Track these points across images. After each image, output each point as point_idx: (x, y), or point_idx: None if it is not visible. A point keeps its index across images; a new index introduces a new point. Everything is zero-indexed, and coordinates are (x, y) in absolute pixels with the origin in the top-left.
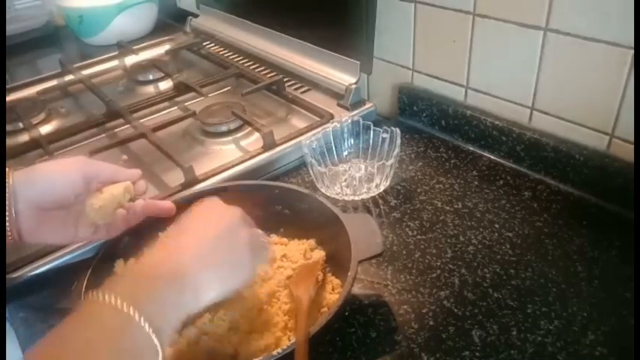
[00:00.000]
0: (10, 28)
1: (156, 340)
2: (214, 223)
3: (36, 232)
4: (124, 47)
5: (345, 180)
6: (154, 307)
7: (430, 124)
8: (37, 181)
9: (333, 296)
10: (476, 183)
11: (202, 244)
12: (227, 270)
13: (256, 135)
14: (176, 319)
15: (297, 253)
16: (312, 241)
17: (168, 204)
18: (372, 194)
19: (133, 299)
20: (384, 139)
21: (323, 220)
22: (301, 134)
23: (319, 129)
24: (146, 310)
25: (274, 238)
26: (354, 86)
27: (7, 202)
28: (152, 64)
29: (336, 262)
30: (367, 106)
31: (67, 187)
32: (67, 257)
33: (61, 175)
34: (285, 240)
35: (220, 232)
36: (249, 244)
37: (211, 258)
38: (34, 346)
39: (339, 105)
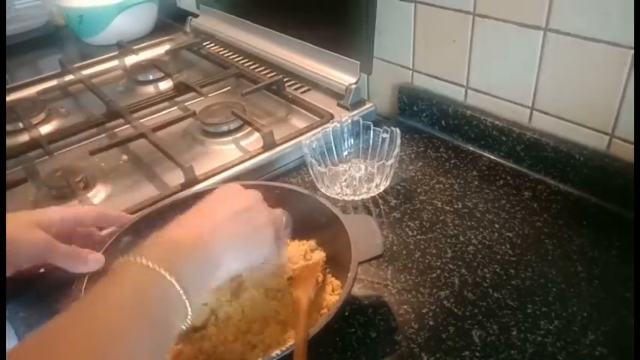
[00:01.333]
0: (10, 28)
1: (184, 297)
2: (232, 202)
3: None
4: (124, 47)
5: (345, 180)
6: (182, 269)
7: (430, 124)
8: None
9: (333, 297)
10: (476, 183)
11: (220, 218)
12: (247, 243)
13: (256, 135)
14: (201, 286)
15: (298, 254)
16: (312, 242)
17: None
18: (372, 194)
19: (161, 261)
20: (384, 139)
21: (323, 220)
22: (301, 134)
23: (319, 129)
24: (174, 270)
25: None
26: (354, 86)
27: None
28: (152, 64)
29: (337, 263)
30: (367, 106)
31: (31, 255)
32: None
33: (20, 243)
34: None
35: (239, 208)
36: (269, 222)
37: (229, 231)
38: (65, 310)
39: (339, 105)
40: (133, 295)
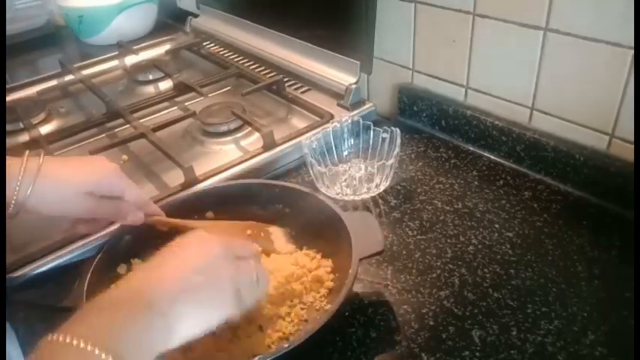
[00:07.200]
0: (10, 28)
1: None
2: (194, 258)
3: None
4: (124, 47)
5: (345, 180)
6: (121, 344)
7: (430, 124)
8: (44, 196)
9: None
10: (476, 183)
11: (177, 277)
12: (204, 306)
13: (256, 135)
14: (147, 355)
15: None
16: (312, 252)
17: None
18: (372, 194)
19: (96, 338)
20: (384, 139)
21: (323, 218)
22: (301, 134)
23: (319, 129)
24: (112, 347)
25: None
26: (354, 86)
27: (23, 182)
28: (152, 64)
29: (338, 260)
30: (367, 106)
31: (71, 208)
32: (69, 256)
33: (67, 193)
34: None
35: (199, 267)
36: (233, 281)
37: (186, 293)
38: None
39: (339, 105)
40: None
